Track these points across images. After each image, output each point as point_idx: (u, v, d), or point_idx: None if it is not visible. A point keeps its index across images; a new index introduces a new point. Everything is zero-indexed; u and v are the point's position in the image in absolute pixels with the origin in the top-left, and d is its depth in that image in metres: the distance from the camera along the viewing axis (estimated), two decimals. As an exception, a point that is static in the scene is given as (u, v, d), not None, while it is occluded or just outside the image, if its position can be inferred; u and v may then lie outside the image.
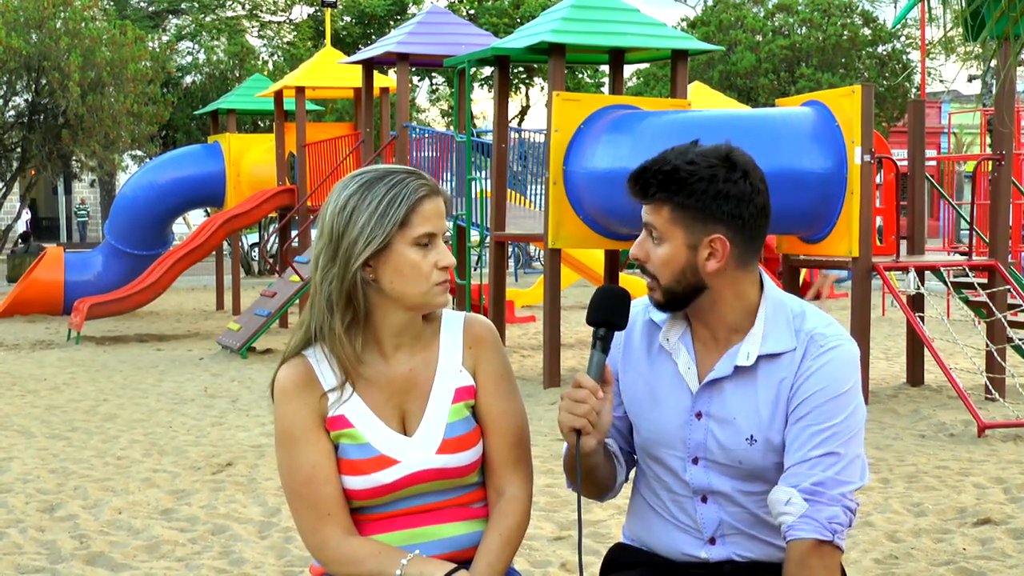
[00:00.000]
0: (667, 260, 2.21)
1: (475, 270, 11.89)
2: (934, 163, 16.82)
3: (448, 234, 2.22)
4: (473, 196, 11.12)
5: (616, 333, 2.24)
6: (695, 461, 2.28)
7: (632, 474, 2.46)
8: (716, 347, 2.28)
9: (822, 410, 2.18)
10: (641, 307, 2.36)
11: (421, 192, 2.21)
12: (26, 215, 31.81)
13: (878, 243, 8.89)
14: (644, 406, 2.33)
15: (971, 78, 35.10)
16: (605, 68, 13.17)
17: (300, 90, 14.70)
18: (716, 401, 2.26)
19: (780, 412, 2.22)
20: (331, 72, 14.91)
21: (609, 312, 2.21)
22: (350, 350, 2.23)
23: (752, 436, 2.23)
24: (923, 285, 9.10)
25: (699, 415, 2.27)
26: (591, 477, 2.30)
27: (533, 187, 12.39)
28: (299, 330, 2.30)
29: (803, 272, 13.94)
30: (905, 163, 9.69)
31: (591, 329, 2.22)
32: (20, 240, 26.30)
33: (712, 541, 2.30)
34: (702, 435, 2.27)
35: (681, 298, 2.23)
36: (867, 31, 27.46)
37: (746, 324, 2.26)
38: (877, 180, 9.23)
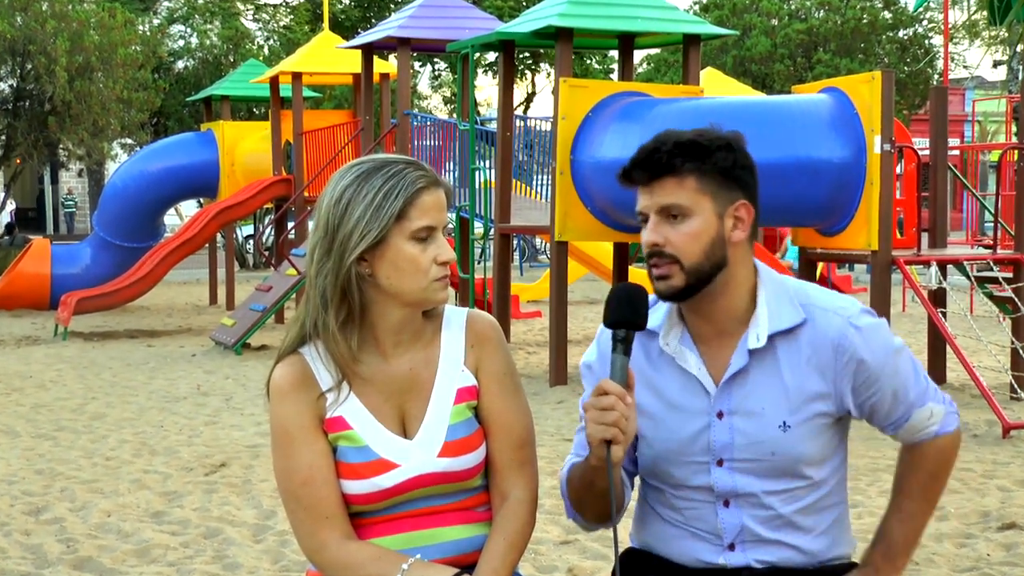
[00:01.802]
0: (696, 234, 2.21)
1: (479, 264, 11.89)
2: (957, 152, 16.79)
3: (450, 227, 2.22)
4: (477, 187, 11.11)
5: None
6: (720, 463, 2.28)
7: (636, 485, 2.46)
8: (724, 342, 2.29)
9: (892, 367, 2.29)
10: None
11: (419, 184, 2.20)
12: (11, 205, 31.83)
13: (898, 236, 8.88)
14: (658, 417, 2.32)
15: (996, 64, 35.02)
16: (614, 53, 13.15)
17: (297, 76, 14.70)
18: (738, 396, 2.26)
19: (812, 390, 2.25)
20: (329, 57, 14.91)
21: (628, 312, 2.19)
22: (345, 348, 2.23)
23: (784, 422, 2.24)
24: (945, 279, 9.09)
25: (720, 414, 2.27)
26: (605, 496, 2.26)
27: (539, 177, 12.38)
28: (294, 326, 2.30)
29: (820, 266, 13.93)
30: (927, 152, 9.67)
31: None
32: (5, 231, 26.33)
33: (731, 547, 2.30)
34: (727, 435, 2.27)
35: (706, 277, 2.23)
36: (887, 15, 27.42)
37: (750, 310, 2.28)
38: (897, 170, 9.21)
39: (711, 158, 2.21)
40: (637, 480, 2.46)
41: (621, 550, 2.48)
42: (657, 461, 2.34)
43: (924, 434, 2.36)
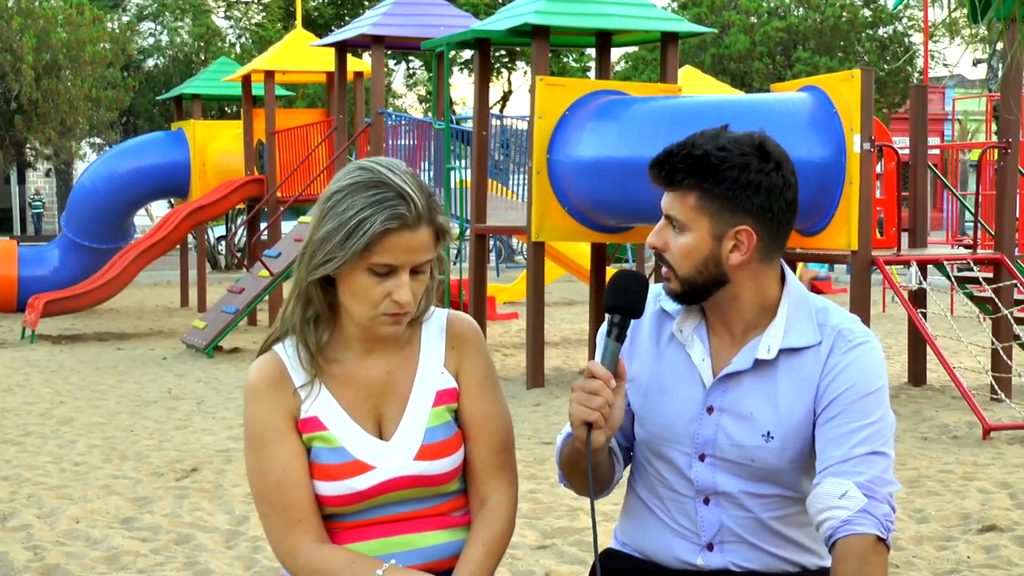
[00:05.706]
0: (689, 250, 2.22)
1: (454, 265, 11.88)
2: (937, 151, 16.89)
3: (429, 258, 2.20)
4: (452, 186, 11.10)
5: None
6: (701, 458, 2.29)
7: (627, 473, 2.46)
8: (733, 341, 2.30)
9: (857, 407, 2.21)
10: (652, 295, 2.36)
11: (392, 224, 2.13)
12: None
13: (878, 235, 8.92)
14: (651, 398, 2.33)
15: (976, 62, 35.27)
16: (591, 51, 13.16)
17: (269, 74, 14.65)
18: (730, 396, 2.27)
19: (802, 409, 2.25)
20: (302, 55, 14.88)
21: (626, 298, 2.21)
22: (313, 344, 2.24)
23: (769, 433, 2.25)
24: (925, 280, 9.13)
25: (710, 409, 2.28)
26: (593, 475, 2.29)
27: (515, 177, 12.39)
28: (279, 318, 2.30)
29: (799, 267, 13.99)
30: (907, 151, 9.72)
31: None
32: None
33: (710, 547, 2.31)
34: (712, 431, 2.28)
35: (700, 290, 2.24)
36: (867, 12, 27.54)
37: (764, 320, 2.28)
38: (877, 169, 9.25)
39: (716, 177, 2.18)
40: (627, 472, 2.46)
41: (600, 550, 2.49)
42: (647, 441, 2.35)
43: (830, 519, 2.15)
